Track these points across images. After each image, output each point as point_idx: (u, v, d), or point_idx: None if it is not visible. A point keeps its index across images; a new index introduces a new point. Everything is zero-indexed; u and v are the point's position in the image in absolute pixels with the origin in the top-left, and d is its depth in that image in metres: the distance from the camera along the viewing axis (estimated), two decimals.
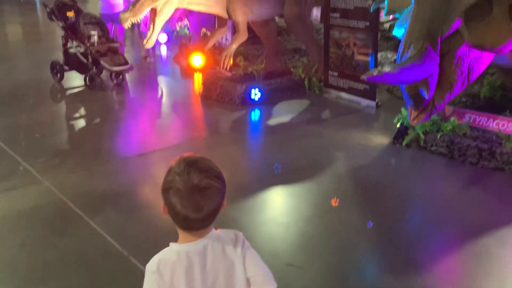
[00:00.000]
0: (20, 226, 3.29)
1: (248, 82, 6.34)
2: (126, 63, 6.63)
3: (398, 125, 4.73)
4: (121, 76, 6.84)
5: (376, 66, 5.91)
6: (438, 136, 4.45)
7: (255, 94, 6.14)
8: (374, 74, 3.08)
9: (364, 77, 3.15)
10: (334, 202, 3.44)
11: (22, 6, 21.04)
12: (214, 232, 1.45)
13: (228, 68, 6.40)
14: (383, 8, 4.34)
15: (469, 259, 2.93)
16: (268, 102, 6.20)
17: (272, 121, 5.55)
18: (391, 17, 7.64)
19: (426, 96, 3.28)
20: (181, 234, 1.43)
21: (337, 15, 6.26)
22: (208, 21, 8.40)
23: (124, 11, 5.56)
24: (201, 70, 8.10)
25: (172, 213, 1.37)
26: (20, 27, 14.24)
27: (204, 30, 8.68)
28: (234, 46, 6.24)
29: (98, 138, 4.93)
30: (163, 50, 10.30)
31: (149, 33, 5.78)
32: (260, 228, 3.28)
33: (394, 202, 3.63)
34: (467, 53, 3.35)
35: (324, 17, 6.53)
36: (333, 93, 6.61)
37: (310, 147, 4.67)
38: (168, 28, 9.52)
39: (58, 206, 3.51)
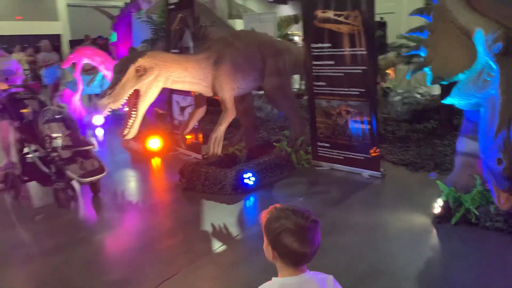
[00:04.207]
0: None
1: (235, 165, 5.51)
2: (101, 170, 5.11)
3: (442, 203, 4.19)
4: (97, 185, 5.25)
5: (378, 133, 5.45)
6: (492, 209, 3.98)
7: (249, 178, 5.31)
8: None
9: None
10: None
11: None
12: (309, 272, 1.67)
13: (218, 153, 5.48)
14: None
15: None
16: (261, 185, 5.41)
17: None
18: None
19: None
20: (284, 270, 1.64)
21: (323, 83, 5.77)
22: (161, 100, 7.52)
23: (101, 95, 4.43)
24: (159, 154, 7.12)
25: (285, 253, 1.59)
26: None
27: (156, 109, 7.77)
28: (223, 127, 5.35)
29: (92, 274, 3.69)
30: (100, 134, 9.05)
31: (131, 121, 4.63)
32: None
33: None
34: None
35: (307, 85, 6.01)
36: (325, 165, 6.01)
37: (354, 245, 3.91)
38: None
39: None
